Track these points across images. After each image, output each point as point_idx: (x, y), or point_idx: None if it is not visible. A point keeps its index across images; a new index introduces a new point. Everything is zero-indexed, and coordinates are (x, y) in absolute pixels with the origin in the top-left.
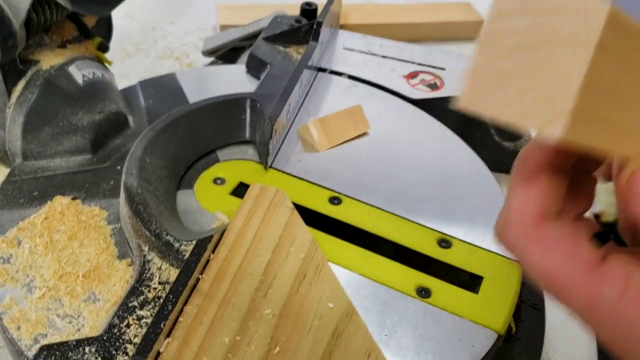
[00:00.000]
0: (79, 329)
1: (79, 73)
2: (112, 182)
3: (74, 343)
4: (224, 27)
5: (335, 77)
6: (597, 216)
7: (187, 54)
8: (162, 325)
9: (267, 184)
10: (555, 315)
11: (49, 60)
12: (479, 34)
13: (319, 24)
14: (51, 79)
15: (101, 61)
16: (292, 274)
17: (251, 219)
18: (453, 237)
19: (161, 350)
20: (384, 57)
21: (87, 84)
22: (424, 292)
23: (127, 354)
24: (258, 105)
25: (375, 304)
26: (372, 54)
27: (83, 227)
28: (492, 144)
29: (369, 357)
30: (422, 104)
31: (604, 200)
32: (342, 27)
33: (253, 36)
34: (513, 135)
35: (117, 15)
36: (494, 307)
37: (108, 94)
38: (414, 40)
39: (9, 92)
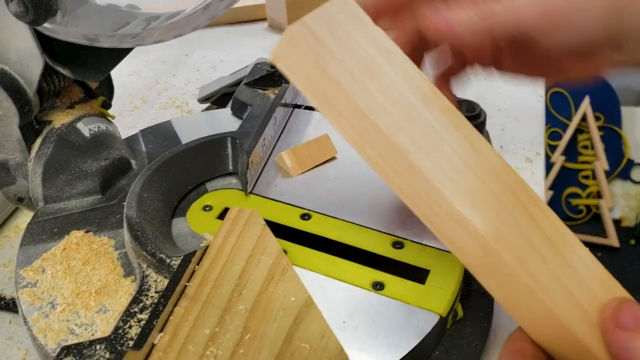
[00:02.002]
0: (92, 334)
1: (86, 128)
2: (118, 216)
3: (88, 343)
4: None
5: (309, 112)
6: (617, 221)
7: (186, 102)
8: (154, 322)
9: (248, 208)
10: None
11: (60, 119)
12: None
13: None
14: (63, 135)
15: (105, 116)
16: (262, 276)
17: (229, 236)
18: (405, 239)
19: (155, 342)
20: None
21: (93, 137)
22: (378, 286)
23: (129, 347)
24: (238, 142)
25: (336, 297)
26: None
27: (95, 253)
28: None
29: (322, 338)
30: None
31: (623, 205)
32: None
33: (239, 82)
34: None
35: (124, 73)
36: (438, 294)
37: (112, 143)
38: None
39: (29, 149)
